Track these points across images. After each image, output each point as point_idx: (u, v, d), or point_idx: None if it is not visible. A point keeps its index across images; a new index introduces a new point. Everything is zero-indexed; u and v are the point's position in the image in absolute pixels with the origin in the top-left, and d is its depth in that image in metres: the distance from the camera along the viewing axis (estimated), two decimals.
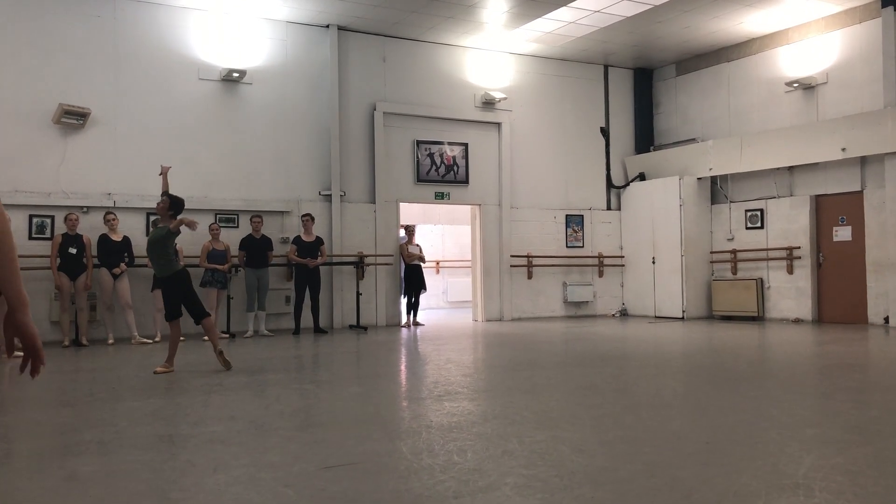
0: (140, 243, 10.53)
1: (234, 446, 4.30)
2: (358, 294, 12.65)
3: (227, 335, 11.17)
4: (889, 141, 11.46)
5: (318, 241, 12.06)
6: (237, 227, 12.01)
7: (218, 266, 11.08)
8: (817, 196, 12.92)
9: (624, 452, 4.06)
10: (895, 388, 6.43)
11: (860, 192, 12.23)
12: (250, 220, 11.72)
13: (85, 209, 11.00)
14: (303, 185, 12.72)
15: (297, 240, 11.91)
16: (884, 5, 11.60)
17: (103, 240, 10.45)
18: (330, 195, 12.83)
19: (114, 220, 10.57)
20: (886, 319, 11.69)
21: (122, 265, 10.46)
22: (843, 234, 12.57)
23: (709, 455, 4.02)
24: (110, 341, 10.42)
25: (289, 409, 5.57)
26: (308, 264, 11.76)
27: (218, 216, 11.80)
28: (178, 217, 7.51)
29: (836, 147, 12.07)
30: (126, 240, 10.67)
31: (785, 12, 12.44)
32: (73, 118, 10.92)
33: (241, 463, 3.92)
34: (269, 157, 12.47)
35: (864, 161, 12.12)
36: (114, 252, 10.45)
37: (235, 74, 11.99)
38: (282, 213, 12.46)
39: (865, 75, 12.09)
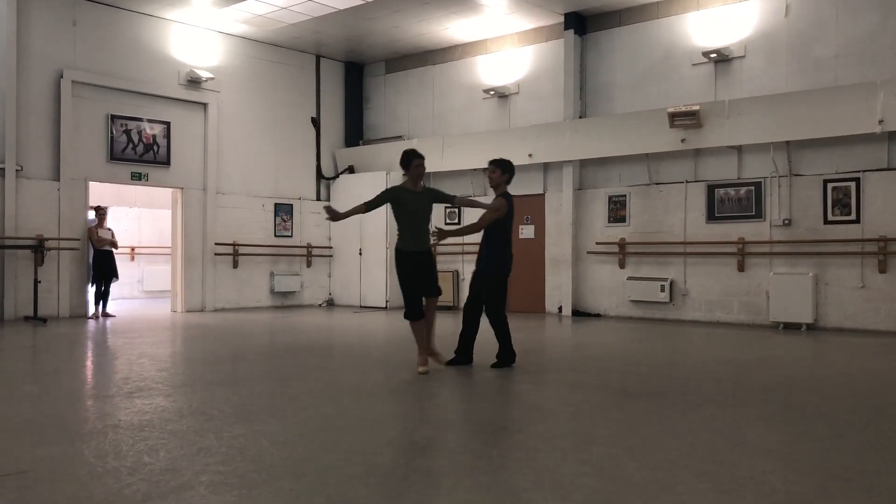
0: None
1: None
2: (36, 282, 11.29)
3: None
4: (567, 150, 12.87)
5: None
6: None
7: None
8: None
9: (325, 442, 4.08)
10: (567, 370, 7.26)
11: (542, 195, 13.58)
12: None
13: None
14: None
15: None
16: (566, 28, 12.98)
17: None
18: (3, 169, 11.28)
19: None
20: (560, 309, 13.12)
21: None
22: (527, 232, 13.87)
23: (406, 439, 4.18)
24: None
25: None
26: None
27: None
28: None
29: (524, 153, 13.27)
30: None
31: (485, 23, 13.39)
32: None
33: None
34: None
35: (546, 167, 13.48)
36: None
37: None
38: None
39: (550, 89, 13.44)
